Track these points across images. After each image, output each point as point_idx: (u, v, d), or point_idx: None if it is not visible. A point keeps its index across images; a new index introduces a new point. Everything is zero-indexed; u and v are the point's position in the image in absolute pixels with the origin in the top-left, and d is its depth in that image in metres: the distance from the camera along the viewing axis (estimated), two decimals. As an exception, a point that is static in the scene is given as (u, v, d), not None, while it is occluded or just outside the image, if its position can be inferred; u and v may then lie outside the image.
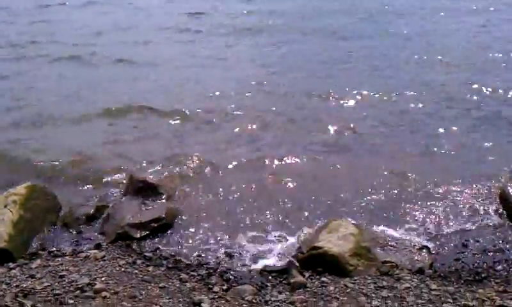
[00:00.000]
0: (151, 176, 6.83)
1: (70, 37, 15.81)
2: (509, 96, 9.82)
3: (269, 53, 13.73)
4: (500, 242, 5.48)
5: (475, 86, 10.35)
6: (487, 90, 10.09)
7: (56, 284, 4.63)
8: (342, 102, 9.90)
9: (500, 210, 6.05)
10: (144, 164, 7.57)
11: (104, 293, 4.46)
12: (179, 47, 14.73)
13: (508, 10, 17.53)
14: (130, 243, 5.58)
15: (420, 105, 9.50)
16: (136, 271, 4.94)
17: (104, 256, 5.24)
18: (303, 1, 20.56)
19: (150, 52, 14.26)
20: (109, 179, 7.22)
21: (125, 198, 6.42)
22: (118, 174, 7.28)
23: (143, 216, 5.89)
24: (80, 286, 4.56)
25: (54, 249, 5.54)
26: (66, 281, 4.68)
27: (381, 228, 5.80)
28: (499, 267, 4.98)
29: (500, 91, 10.04)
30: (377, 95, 10.06)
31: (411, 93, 10.11)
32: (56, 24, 17.85)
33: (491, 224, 5.83)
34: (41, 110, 9.87)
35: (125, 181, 6.88)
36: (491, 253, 5.26)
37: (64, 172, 7.47)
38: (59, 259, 5.22)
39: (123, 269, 4.96)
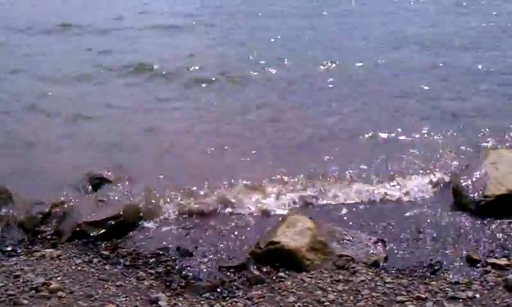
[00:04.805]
0: (109, 173, 6.75)
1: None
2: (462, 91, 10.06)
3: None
4: (454, 234, 5.63)
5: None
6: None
7: (11, 284, 4.54)
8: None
9: (454, 203, 6.21)
10: (103, 160, 7.48)
11: (59, 293, 4.41)
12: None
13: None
14: (86, 241, 5.52)
15: (375, 98, 9.65)
16: (93, 270, 4.89)
17: (60, 255, 5.17)
18: None
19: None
20: (66, 175, 7.09)
21: (81, 195, 6.33)
22: (75, 170, 7.17)
23: (99, 214, 5.82)
24: (35, 286, 4.49)
25: (9, 248, 5.44)
26: (21, 280, 4.60)
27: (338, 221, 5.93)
28: (452, 259, 5.11)
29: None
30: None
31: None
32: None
33: (445, 218, 5.97)
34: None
35: (82, 178, 6.80)
36: (445, 245, 5.39)
37: (18, 168, 7.32)
38: (14, 258, 5.12)
39: (79, 268, 4.90)
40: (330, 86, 10.60)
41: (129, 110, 9.46)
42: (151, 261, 5.19)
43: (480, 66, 11.54)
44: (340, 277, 4.69)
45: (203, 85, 10.82)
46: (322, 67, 11.74)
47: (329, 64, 11.87)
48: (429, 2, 19.17)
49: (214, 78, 11.05)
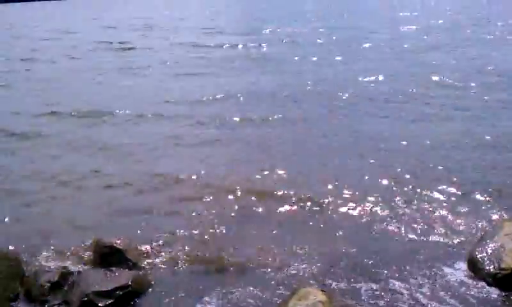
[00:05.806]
0: (118, 241, 6.68)
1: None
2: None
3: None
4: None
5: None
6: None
7: (15, 355, 4.48)
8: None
9: (469, 276, 6.09)
10: (110, 228, 7.46)
11: None
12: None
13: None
14: (94, 312, 5.44)
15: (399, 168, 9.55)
16: (99, 342, 4.80)
17: (66, 326, 5.10)
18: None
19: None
20: (77, 241, 7.06)
21: (90, 265, 6.28)
22: (84, 239, 7.13)
23: (108, 283, 5.76)
24: (39, 357, 4.42)
25: (15, 319, 5.39)
26: (25, 352, 4.54)
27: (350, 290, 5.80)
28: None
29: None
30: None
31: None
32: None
33: (460, 290, 5.84)
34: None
35: (92, 246, 6.76)
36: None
37: (29, 236, 7.31)
38: (20, 329, 5.07)
39: (85, 340, 4.82)
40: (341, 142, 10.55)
41: (142, 176, 9.47)
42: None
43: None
44: (353, 353, 4.56)
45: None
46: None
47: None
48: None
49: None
